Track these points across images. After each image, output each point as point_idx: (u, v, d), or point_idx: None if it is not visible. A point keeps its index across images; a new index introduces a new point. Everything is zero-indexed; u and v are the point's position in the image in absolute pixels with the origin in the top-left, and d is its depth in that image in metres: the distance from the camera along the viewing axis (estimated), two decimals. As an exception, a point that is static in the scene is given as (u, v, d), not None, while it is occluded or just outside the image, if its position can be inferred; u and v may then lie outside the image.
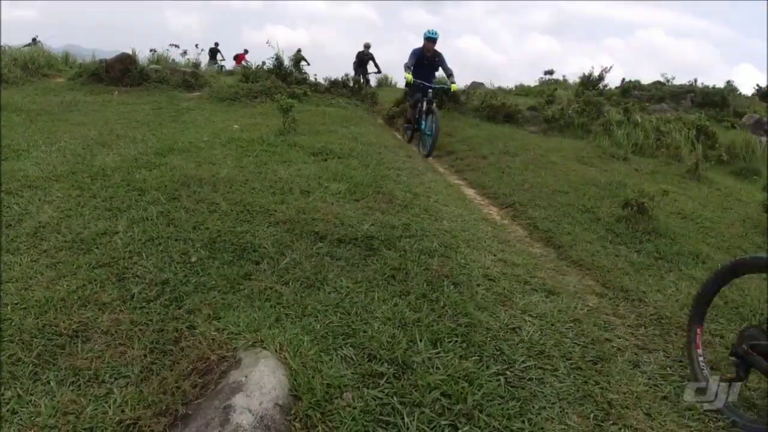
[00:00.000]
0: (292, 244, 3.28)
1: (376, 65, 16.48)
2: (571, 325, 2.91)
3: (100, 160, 4.89)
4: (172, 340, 2.31)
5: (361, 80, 16.11)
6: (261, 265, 2.99)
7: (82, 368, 2.12)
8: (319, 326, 2.44)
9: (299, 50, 16.73)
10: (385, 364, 2.21)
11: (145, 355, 2.22)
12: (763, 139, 11.21)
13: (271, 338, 2.20)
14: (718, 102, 18.04)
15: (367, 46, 16.43)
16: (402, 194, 4.61)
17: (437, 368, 2.24)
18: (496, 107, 10.40)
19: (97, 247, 3.10)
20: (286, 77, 12.46)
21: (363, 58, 16.30)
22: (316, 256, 3.16)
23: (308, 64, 16.40)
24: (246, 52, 22.12)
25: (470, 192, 5.86)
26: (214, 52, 21.59)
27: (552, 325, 2.86)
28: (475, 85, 17.83)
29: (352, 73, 16.52)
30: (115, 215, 3.58)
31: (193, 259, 2.99)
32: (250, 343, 2.17)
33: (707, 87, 20.50)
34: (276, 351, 2.12)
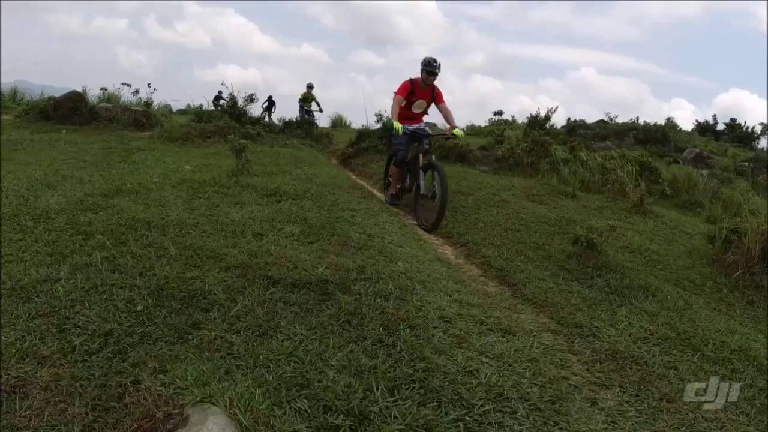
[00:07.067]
0: (244, 290, 3.18)
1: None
2: (528, 364, 2.90)
3: (44, 201, 4.66)
4: (115, 396, 2.17)
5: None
6: (211, 313, 2.88)
7: (20, 427, 1.96)
8: (271, 377, 2.34)
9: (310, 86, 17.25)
10: (341, 416, 2.14)
11: (86, 413, 2.06)
12: (704, 172, 11.72)
13: (221, 392, 2.10)
14: (659, 138, 18.96)
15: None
16: (357, 236, 4.59)
17: (395, 417, 2.19)
18: (448, 147, 10.55)
19: (37, 296, 2.91)
20: (239, 117, 12.44)
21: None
22: (269, 302, 3.07)
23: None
24: None
25: (424, 232, 5.89)
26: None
27: (509, 365, 2.84)
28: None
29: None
30: (58, 261, 3.38)
31: (139, 308, 2.85)
32: (198, 398, 2.06)
33: (648, 124, 21.60)
34: (225, 406, 2.02)
